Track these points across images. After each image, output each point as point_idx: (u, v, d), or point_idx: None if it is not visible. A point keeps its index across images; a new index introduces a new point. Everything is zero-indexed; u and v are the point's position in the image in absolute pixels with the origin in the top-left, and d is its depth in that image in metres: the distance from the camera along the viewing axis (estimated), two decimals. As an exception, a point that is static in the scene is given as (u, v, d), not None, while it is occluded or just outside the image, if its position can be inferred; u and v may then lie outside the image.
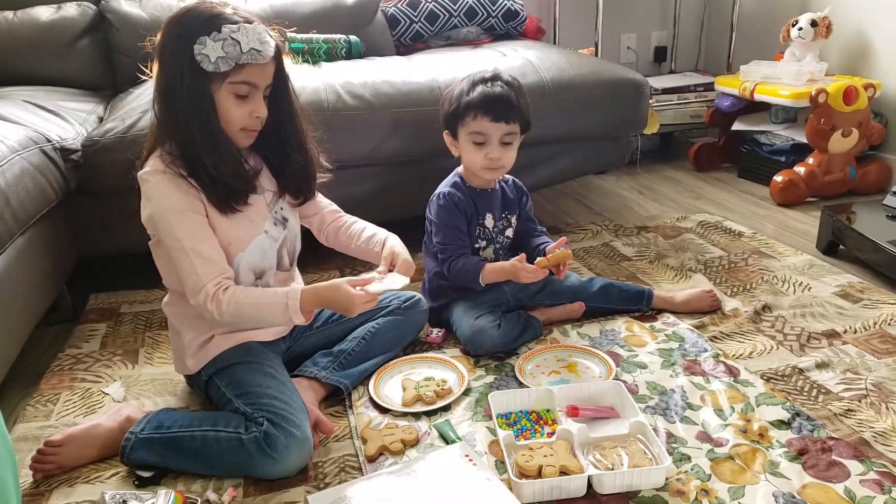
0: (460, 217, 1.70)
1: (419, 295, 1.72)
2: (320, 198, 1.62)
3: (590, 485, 1.21)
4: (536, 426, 1.40)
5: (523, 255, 1.66)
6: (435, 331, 1.76)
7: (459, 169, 1.77)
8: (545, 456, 1.24)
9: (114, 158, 1.82)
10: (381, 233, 1.56)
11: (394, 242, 1.52)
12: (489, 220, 1.74)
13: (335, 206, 1.64)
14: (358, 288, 1.34)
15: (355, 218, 1.63)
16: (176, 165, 1.32)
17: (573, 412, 1.39)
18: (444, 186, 1.74)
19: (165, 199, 1.32)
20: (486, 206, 1.75)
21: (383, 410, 1.48)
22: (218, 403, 1.42)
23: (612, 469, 1.22)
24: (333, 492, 1.17)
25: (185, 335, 1.45)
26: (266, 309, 1.34)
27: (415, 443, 1.36)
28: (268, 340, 1.51)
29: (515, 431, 1.37)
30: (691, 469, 1.25)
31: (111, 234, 1.92)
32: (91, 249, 1.97)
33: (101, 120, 2.08)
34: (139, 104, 1.97)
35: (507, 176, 1.83)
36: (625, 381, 1.53)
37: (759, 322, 1.77)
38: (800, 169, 2.67)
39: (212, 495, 1.25)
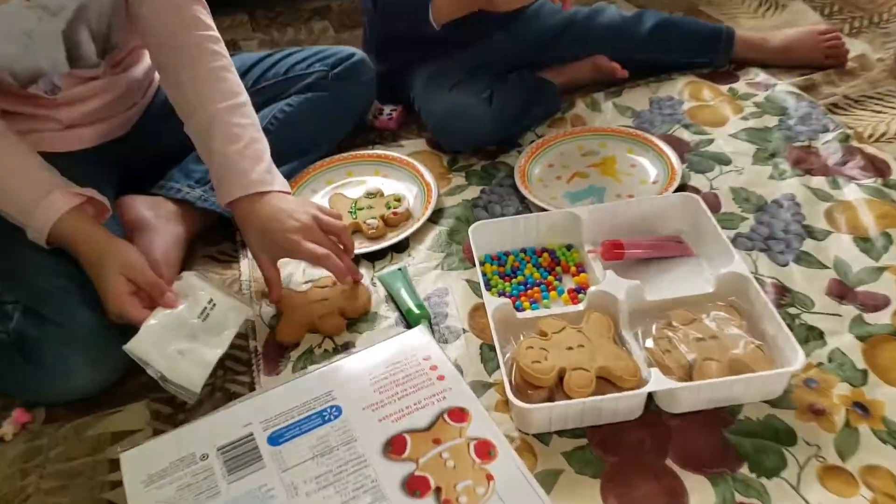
0: None
1: (360, 53, 1.04)
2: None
3: (650, 397, 0.67)
4: (550, 277, 0.82)
5: None
6: (387, 109, 1.12)
7: None
8: (569, 349, 0.68)
9: None
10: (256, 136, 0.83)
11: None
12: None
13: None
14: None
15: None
16: None
17: (614, 252, 0.81)
18: None
19: None
20: None
21: (298, 251, 0.89)
22: None
23: (690, 370, 0.67)
24: (170, 446, 0.63)
25: None
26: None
27: (361, 313, 0.80)
28: (77, 150, 0.89)
29: (514, 289, 0.81)
30: (829, 360, 0.70)
31: None
32: None
33: None
34: None
35: None
36: (696, 190, 0.92)
37: (905, 77, 1.11)
38: None
39: (-13, 423, 0.73)
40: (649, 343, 0.71)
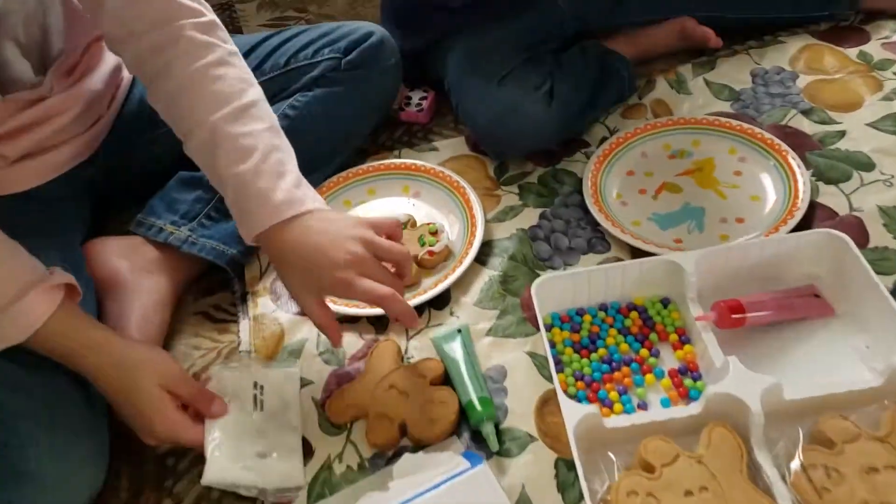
0: None
1: (379, 31, 0.81)
2: None
3: (800, 557, 0.47)
4: (643, 352, 0.61)
5: None
6: (415, 97, 0.89)
7: None
8: (688, 494, 0.49)
9: None
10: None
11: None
12: None
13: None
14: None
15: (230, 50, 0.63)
16: None
17: (731, 319, 0.59)
18: None
19: None
20: None
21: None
22: None
23: (862, 519, 0.47)
24: None
25: None
26: None
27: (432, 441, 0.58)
28: (37, 187, 0.69)
29: (595, 371, 0.60)
30: None
31: None
32: None
33: None
34: None
35: None
36: (830, 212, 0.69)
37: None
38: None
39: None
40: (795, 465, 0.51)
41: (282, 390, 0.62)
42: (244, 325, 0.70)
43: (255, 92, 0.62)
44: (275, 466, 0.57)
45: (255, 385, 0.61)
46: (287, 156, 0.61)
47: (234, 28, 1.10)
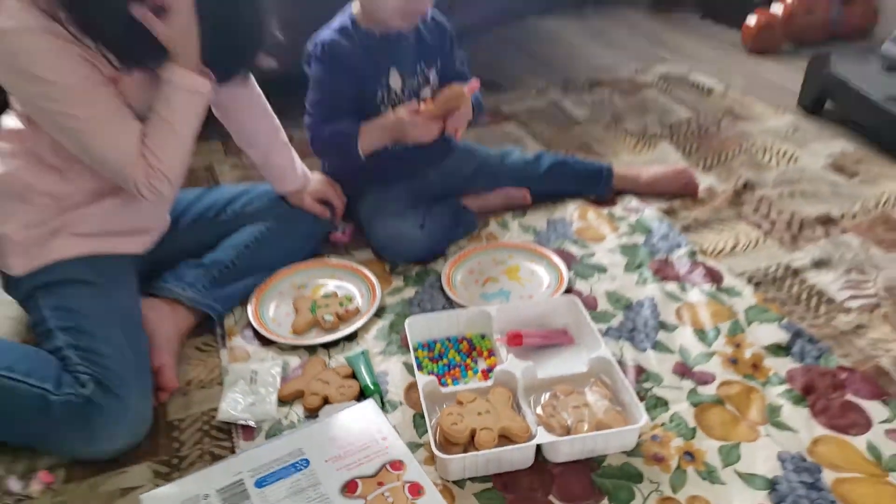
0: (342, 76, 1.22)
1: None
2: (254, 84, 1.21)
3: (538, 449, 0.90)
4: (468, 360, 1.06)
5: (427, 101, 1.26)
6: (341, 226, 1.37)
7: (354, 5, 1.25)
8: (479, 414, 0.92)
9: None
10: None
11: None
12: (395, 79, 1.26)
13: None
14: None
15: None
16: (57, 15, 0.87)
17: (515, 340, 1.06)
18: (327, 31, 1.23)
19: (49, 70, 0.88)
20: (391, 57, 1.24)
21: (267, 342, 1.11)
22: (35, 332, 1.01)
23: (569, 429, 0.91)
24: (178, 489, 0.82)
25: (15, 215, 1.00)
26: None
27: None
28: (133, 254, 1.11)
29: (440, 369, 1.04)
30: (670, 421, 0.96)
31: None
32: None
33: None
34: None
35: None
36: (579, 293, 1.20)
37: (739, 205, 1.44)
38: (777, 8, 2.26)
39: (14, 484, 0.89)
40: (539, 410, 0.95)
41: (269, 376, 1.02)
42: (223, 353, 1.09)
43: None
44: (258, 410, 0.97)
45: (253, 372, 1.03)
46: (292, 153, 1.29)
47: (214, 179, 1.57)
